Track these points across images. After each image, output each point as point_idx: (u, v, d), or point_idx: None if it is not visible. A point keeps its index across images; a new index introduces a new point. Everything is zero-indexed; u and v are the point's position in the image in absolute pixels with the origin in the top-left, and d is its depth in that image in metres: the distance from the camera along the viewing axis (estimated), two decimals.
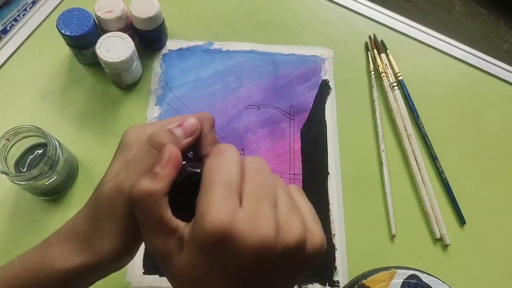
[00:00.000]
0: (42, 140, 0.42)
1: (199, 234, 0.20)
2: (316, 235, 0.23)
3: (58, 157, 0.41)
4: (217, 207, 0.20)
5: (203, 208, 0.20)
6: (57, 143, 0.41)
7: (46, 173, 0.40)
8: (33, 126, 0.40)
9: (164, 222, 0.22)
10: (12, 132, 0.40)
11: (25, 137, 0.41)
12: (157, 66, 0.53)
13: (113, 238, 0.25)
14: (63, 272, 0.26)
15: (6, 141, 0.40)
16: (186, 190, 0.23)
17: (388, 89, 0.53)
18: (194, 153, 0.27)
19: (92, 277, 0.28)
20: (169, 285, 0.24)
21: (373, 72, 0.55)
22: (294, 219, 0.22)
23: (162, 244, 0.23)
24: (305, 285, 0.42)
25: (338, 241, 0.45)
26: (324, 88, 0.53)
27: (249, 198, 0.21)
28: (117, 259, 0.26)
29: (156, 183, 0.23)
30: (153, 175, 0.23)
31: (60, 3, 0.57)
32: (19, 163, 0.43)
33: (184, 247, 0.22)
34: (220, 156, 0.22)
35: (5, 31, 0.54)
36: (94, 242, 0.26)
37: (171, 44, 0.55)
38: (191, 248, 0.21)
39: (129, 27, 0.51)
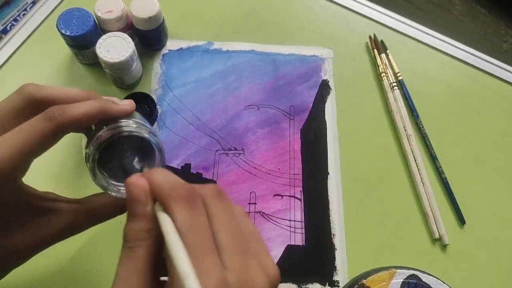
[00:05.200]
0: None
1: None
2: (272, 268, 0.20)
3: None
4: (208, 277, 0.17)
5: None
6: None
7: None
8: None
9: None
10: None
11: None
12: (157, 66, 0.53)
13: None
14: None
15: None
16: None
17: (388, 89, 0.53)
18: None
19: None
20: None
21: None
22: (269, 263, 0.20)
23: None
24: (305, 285, 0.43)
25: (338, 241, 0.45)
26: (324, 88, 0.53)
27: (230, 255, 0.18)
28: None
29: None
30: None
31: (60, 3, 0.57)
32: None
33: None
34: (188, 208, 0.18)
35: (5, 31, 0.54)
36: None
37: (171, 44, 0.55)
38: None
39: (129, 27, 0.51)
